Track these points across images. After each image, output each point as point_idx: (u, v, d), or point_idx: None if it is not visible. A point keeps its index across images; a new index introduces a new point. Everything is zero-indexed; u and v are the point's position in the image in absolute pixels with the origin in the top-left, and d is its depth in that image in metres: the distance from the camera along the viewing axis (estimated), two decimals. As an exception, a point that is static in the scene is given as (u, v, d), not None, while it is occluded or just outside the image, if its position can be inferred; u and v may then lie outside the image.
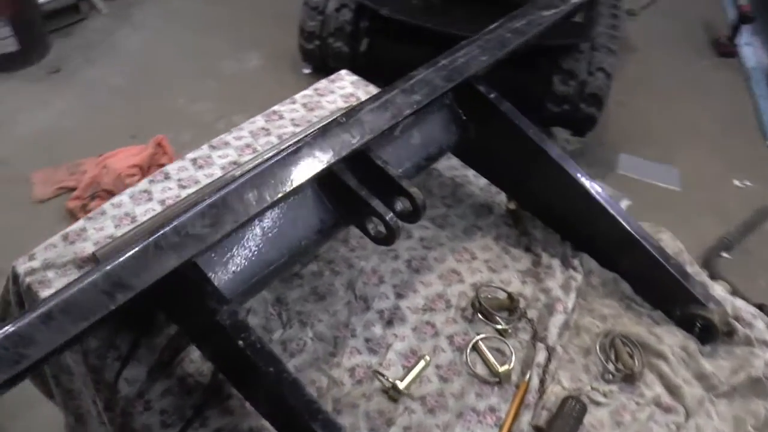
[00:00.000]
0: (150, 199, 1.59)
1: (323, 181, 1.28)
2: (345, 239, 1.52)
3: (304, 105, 1.86)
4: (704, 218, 3.46)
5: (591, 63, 3.54)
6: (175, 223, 1.06)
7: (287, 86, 3.30)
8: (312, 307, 1.40)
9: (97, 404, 1.38)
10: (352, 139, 1.24)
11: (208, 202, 1.10)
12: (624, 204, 3.38)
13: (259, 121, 1.80)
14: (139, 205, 1.57)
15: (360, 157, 1.29)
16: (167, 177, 1.64)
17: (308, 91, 1.91)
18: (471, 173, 1.70)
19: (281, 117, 1.81)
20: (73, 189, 3.29)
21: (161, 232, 1.05)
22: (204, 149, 1.72)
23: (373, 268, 1.48)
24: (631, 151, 3.78)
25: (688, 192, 3.60)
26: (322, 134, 1.22)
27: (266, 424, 1.18)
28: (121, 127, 3.73)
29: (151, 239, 1.04)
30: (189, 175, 1.65)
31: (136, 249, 1.02)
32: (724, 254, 3.25)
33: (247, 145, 1.72)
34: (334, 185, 1.27)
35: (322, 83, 1.95)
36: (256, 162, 1.22)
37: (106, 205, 1.58)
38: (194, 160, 1.68)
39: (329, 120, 1.26)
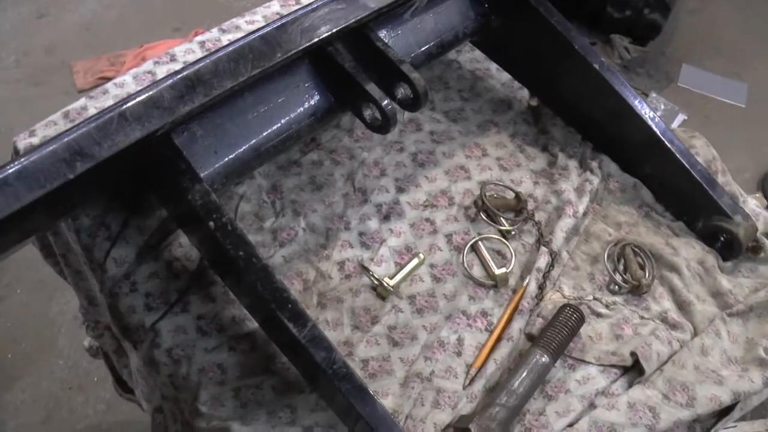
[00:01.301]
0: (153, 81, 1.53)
1: (319, 62, 1.19)
2: (350, 128, 1.44)
3: (325, -11, 1.74)
4: (768, 138, 3.22)
5: (660, -36, 3.27)
6: (144, 95, 1.00)
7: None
8: (308, 197, 1.34)
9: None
10: (347, 16, 1.13)
11: (182, 74, 1.03)
12: (679, 119, 3.18)
13: (275, 5, 1.70)
14: (141, 86, 1.51)
15: (359, 37, 1.19)
16: (173, 59, 1.58)
17: (330, -25, 1.79)
18: (494, 67, 1.58)
19: (298, 1, 1.70)
20: (112, 79, 3.28)
21: (129, 103, 0.99)
22: (214, 32, 1.64)
23: (375, 160, 1.40)
24: (697, 63, 3.51)
25: (753, 109, 3.34)
26: (313, 9, 1.12)
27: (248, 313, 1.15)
28: (165, 20, 3.67)
29: (116, 110, 0.98)
30: (195, 57, 1.56)
31: (101, 119, 0.97)
32: (785, 177, 3.05)
33: (259, 29, 1.63)
34: (330, 66, 1.18)
35: (346, -34, 1.82)
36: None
37: (109, 85, 1.53)
38: (202, 43, 1.61)
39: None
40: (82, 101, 1.49)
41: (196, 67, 1.03)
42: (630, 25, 3.42)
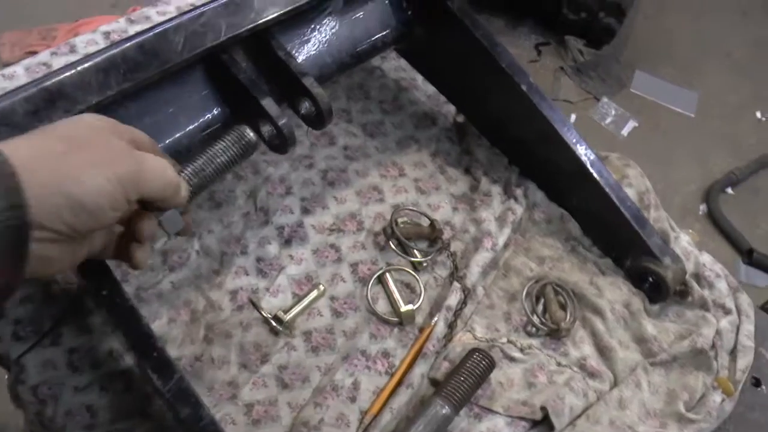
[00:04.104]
0: (47, 74, 1.38)
1: (214, 69, 1.06)
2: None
3: (246, -20, 1.60)
4: (715, 150, 3.17)
5: (617, -33, 3.20)
6: (-8, 107, 0.86)
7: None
8: (205, 216, 1.22)
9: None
10: (242, 22, 1.01)
11: (41, 86, 0.90)
12: (630, 125, 3.11)
13: (190, -6, 1.56)
14: (33, 79, 1.37)
15: (260, 44, 1.07)
16: (73, 50, 1.42)
17: (254, -35, 1.65)
18: (420, 78, 1.46)
19: (216, -8, 1.56)
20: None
21: (-30, 116, 0.85)
22: (121, 22, 1.49)
23: (281, 176, 1.28)
24: (650, 69, 3.45)
25: (703, 120, 3.30)
26: (201, 14, 0.99)
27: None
28: (103, -5, 3.49)
29: (-44, 125, 0.84)
30: (98, 50, 1.42)
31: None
32: (729, 190, 3.00)
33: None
34: (225, 76, 1.05)
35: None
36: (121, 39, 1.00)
37: (-5, 77, 1.38)
38: (107, 34, 1.46)
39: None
40: (-38, 94, 1.34)
41: (59, 77, 0.89)
42: (585, 27, 3.37)
